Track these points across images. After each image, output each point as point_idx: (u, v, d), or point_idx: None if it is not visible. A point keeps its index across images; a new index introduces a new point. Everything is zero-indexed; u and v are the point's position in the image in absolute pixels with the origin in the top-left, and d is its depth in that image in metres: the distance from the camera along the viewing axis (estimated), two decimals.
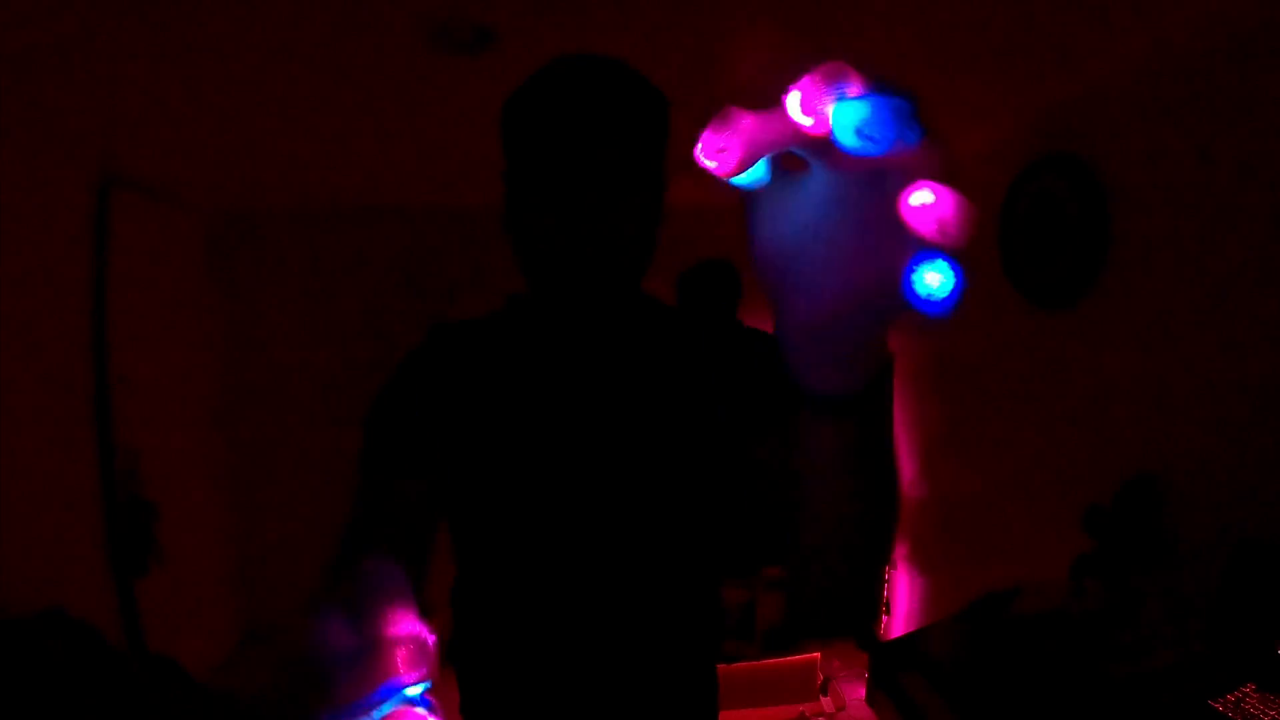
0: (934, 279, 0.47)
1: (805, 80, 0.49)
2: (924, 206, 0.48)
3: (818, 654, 2.90)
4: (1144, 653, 1.39)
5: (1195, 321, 1.67)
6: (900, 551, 3.08)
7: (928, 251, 0.48)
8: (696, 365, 0.85)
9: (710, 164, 0.55)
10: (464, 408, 0.80)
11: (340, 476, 0.84)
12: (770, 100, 0.51)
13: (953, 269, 0.48)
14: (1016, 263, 2.25)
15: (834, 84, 0.49)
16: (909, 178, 0.49)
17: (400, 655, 0.47)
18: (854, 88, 0.49)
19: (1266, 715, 1.16)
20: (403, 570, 0.61)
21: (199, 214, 3.01)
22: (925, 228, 0.48)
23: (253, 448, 3.18)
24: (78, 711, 1.56)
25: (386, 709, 0.47)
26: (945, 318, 0.48)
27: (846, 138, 0.48)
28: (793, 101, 0.49)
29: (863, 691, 1.98)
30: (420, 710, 0.48)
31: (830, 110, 0.49)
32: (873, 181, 0.50)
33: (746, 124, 0.53)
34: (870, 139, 0.47)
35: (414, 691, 0.49)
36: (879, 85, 0.49)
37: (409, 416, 0.82)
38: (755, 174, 0.57)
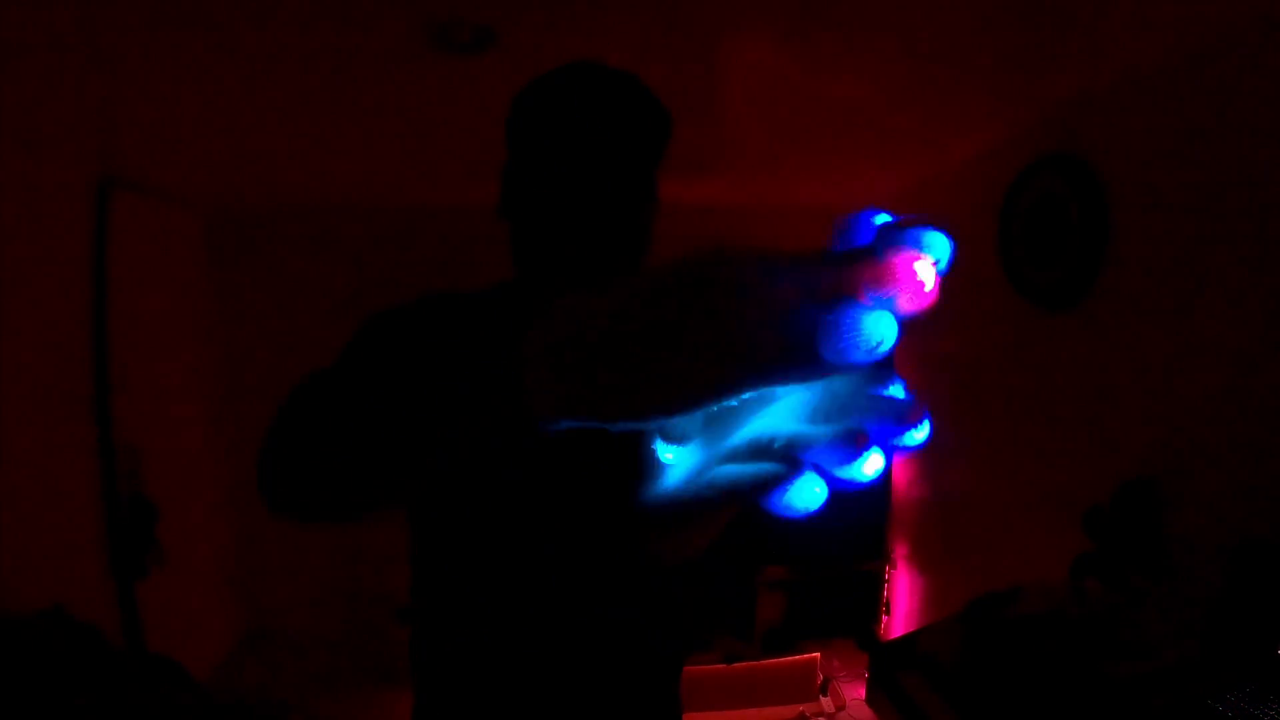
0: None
1: None
2: None
3: (818, 654, 2.90)
4: (1144, 653, 1.39)
5: (1195, 321, 1.67)
6: (900, 551, 3.09)
7: None
8: None
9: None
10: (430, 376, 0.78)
11: None
12: None
13: None
14: (1016, 263, 2.25)
15: None
16: None
17: None
18: None
19: (1266, 716, 1.16)
20: None
21: (199, 214, 3.01)
22: None
23: (253, 448, 3.17)
24: (77, 711, 1.56)
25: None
26: None
27: None
28: None
29: (863, 691, 1.98)
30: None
31: None
32: None
33: None
34: None
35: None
36: None
37: (376, 360, 0.80)
38: None
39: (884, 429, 0.33)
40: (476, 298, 0.86)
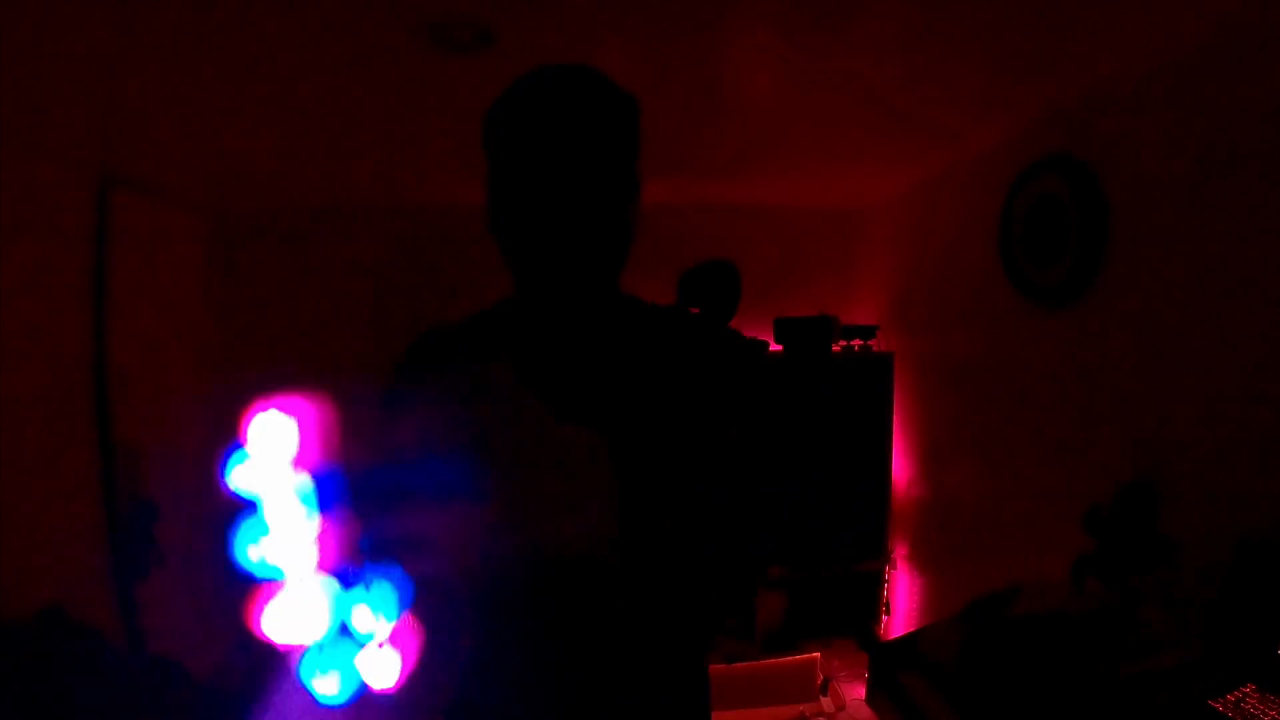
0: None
1: None
2: None
3: (818, 654, 2.90)
4: (1144, 653, 1.39)
5: (1195, 321, 1.67)
6: (900, 551, 3.09)
7: None
8: (679, 365, 0.86)
9: None
10: (450, 413, 0.82)
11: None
12: None
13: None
14: (1016, 263, 2.25)
15: None
16: None
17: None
18: None
19: (1266, 716, 1.16)
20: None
21: (199, 214, 3.01)
22: None
23: None
24: (78, 712, 1.56)
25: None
26: None
27: None
28: None
29: (863, 691, 1.99)
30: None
31: None
32: None
33: None
34: None
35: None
36: None
37: (404, 427, 0.83)
38: None
39: None
40: (482, 325, 0.87)
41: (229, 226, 3.13)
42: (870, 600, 3.11)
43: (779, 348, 2.98)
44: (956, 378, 2.69)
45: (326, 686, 0.50)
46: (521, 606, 0.82)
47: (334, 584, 0.55)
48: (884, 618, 3.11)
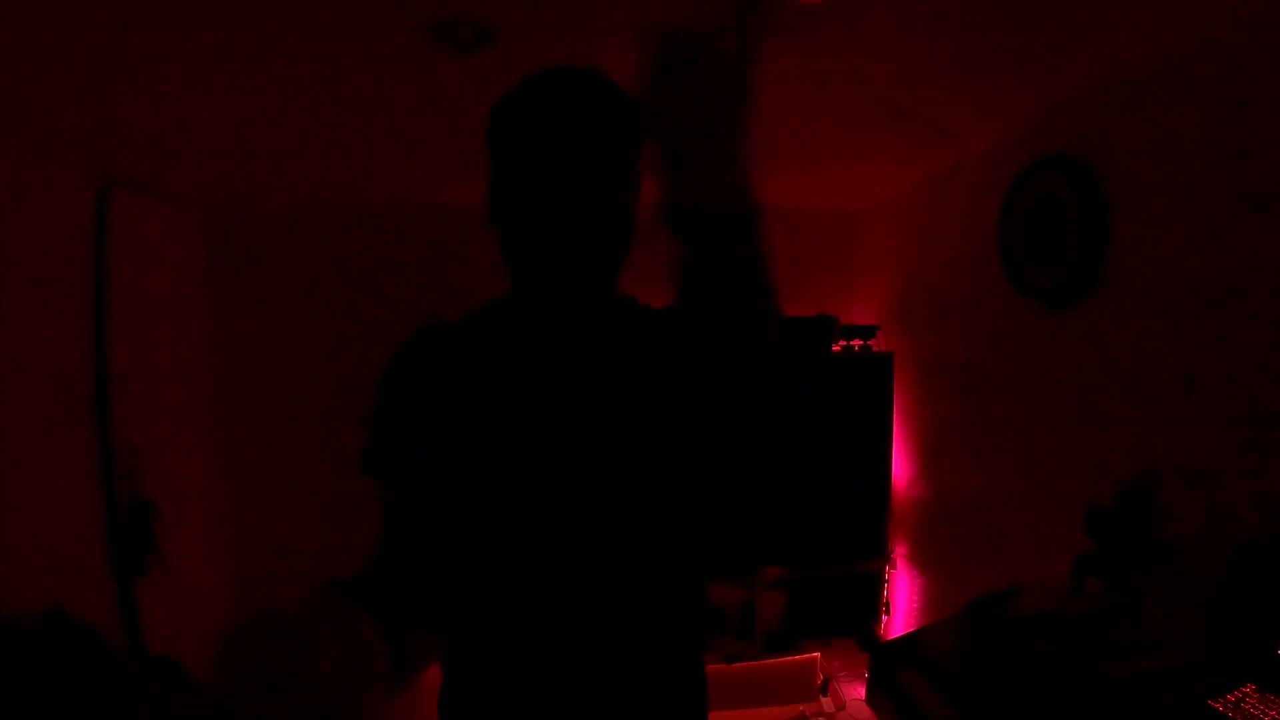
0: None
1: None
2: None
3: (818, 654, 2.91)
4: (1144, 653, 1.39)
5: (1195, 321, 1.67)
6: (900, 551, 3.09)
7: None
8: (675, 366, 0.86)
9: None
10: (447, 407, 0.82)
11: (339, 476, 0.85)
12: None
13: None
14: (1016, 263, 2.25)
15: None
16: None
17: None
18: None
19: (1266, 715, 1.16)
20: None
21: (199, 214, 3.01)
22: None
23: (253, 448, 3.18)
24: (78, 711, 1.56)
25: None
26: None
27: None
28: None
29: (863, 691, 1.99)
30: None
31: None
32: None
33: None
34: None
35: None
36: None
37: (402, 417, 0.84)
38: None
39: None
40: (478, 322, 0.88)
41: (229, 226, 3.13)
42: (870, 600, 3.11)
43: None
44: (956, 378, 2.69)
45: None
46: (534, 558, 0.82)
47: None
48: (884, 618, 3.11)
